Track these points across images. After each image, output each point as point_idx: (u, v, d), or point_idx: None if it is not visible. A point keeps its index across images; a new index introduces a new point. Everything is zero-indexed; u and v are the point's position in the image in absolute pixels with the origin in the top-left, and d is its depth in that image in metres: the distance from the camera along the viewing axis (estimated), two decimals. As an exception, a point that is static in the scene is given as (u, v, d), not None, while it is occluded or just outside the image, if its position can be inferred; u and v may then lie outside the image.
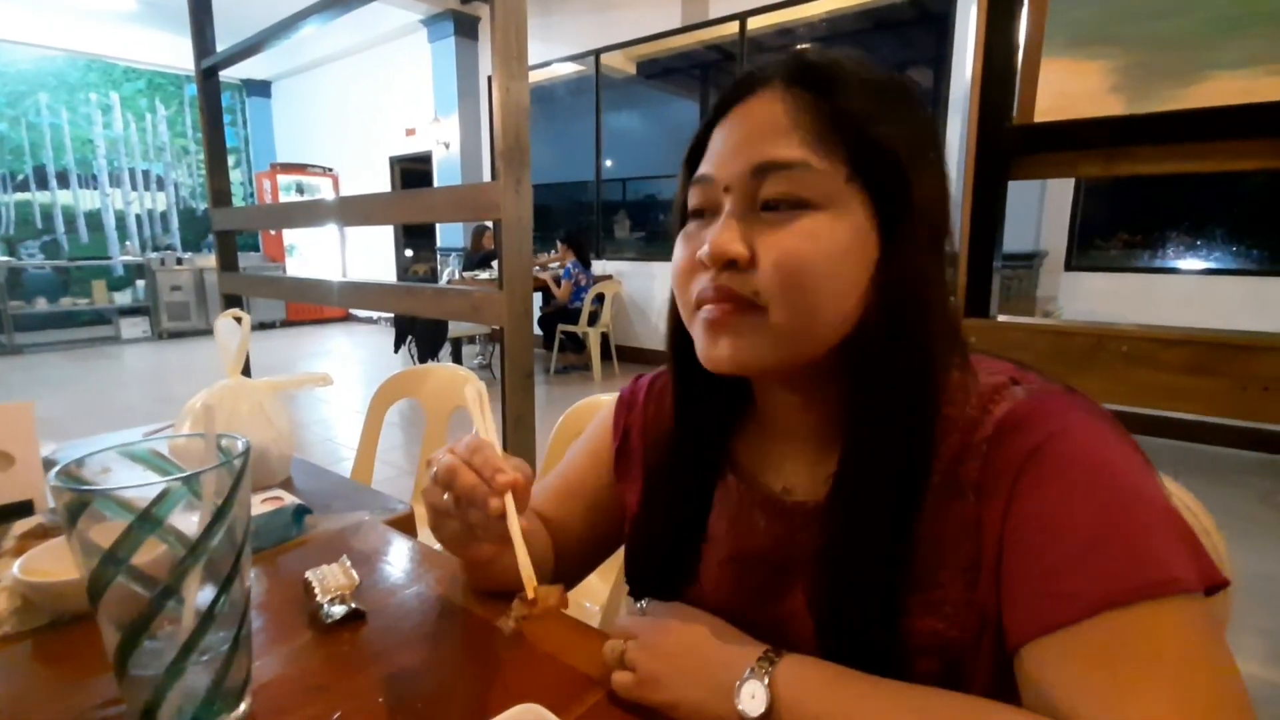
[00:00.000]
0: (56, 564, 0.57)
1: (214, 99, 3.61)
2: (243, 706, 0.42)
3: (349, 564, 0.56)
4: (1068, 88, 1.26)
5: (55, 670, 0.49)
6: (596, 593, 1.17)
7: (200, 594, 0.40)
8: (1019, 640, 0.37)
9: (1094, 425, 0.40)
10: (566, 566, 0.62)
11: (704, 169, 0.45)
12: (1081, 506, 0.37)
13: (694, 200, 0.46)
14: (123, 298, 7.48)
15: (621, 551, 0.94)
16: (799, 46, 0.47)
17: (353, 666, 0.48)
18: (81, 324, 7.38)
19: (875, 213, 0.42)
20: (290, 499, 0.72)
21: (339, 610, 0.52)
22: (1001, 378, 0.43)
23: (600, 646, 0.48)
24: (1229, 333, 1.15)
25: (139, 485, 0.38)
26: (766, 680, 0.40)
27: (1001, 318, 1.40)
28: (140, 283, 7.52)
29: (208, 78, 3.48)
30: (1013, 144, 1.31)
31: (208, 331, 7.52)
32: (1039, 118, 1.29)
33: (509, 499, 0.44)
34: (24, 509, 0.75)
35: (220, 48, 3.35)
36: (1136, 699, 0.32)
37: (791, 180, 0.41)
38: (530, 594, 0.41)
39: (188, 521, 0.39)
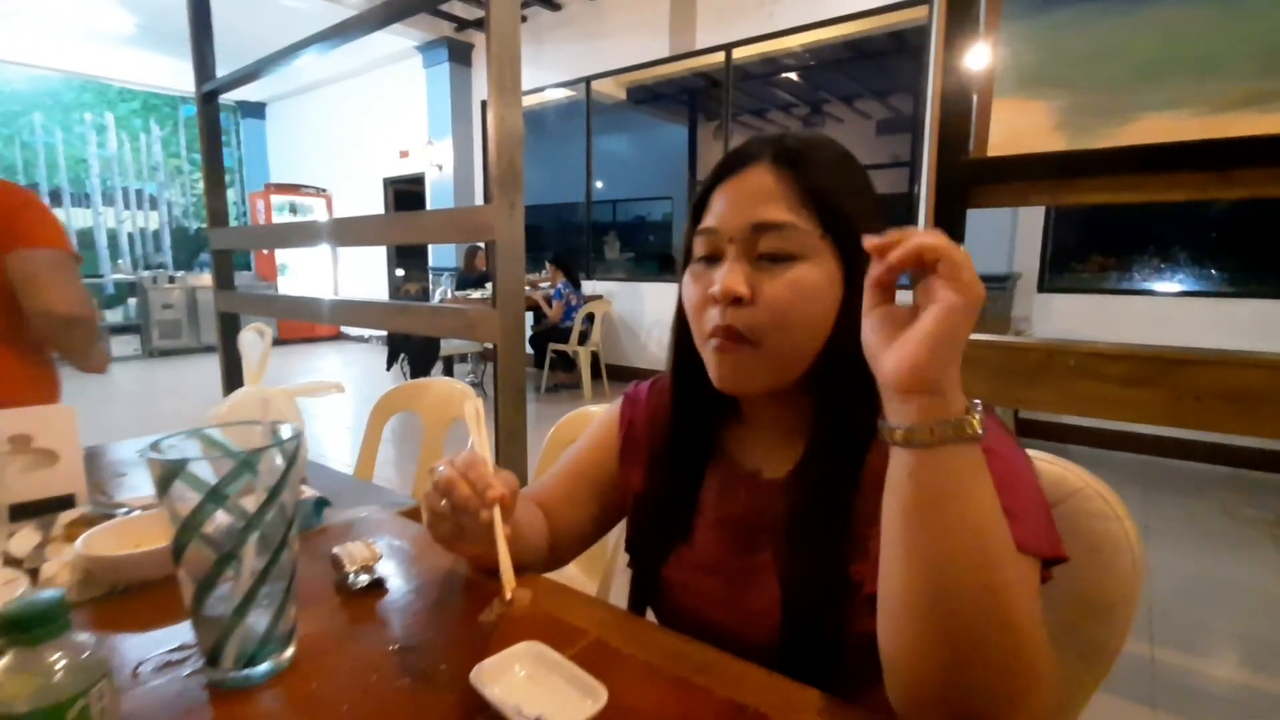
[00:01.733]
0: (113, 543, 0.65)
1: (213, 122, 3.71)
2: (290, 650, 0.51)
3: (371, 541, 0.64)
4: (1017, 125, 1.38)
5: (118, 631, 0.57)
6: (584, 588, 1.24)
7: (256, 558, 0.48)
8: None
9: (1006, 438, 0.53)
10: (567, 544, 0.72)
11: (710, 223, 0.57)
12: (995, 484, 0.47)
13: (701, 248, 0.58)
14: (114, 316, 7.51)
15: (605, 549, 1.03)
16: (781, 133, 0.59)
17: (375, 623, 0.56)
18: (71, 342, 7.39)
19: (841, 263, 0.55)
20: (311, 491, 0.80)
21: (364, 579, 0.61)
22: None
23: (587, 607, 0.57)
24: (1164, 348, 1.26)
25: (215, 457, 0.46)
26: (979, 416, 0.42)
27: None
28: (132, 301, 7.55)
29: (207, 101, 3.58)
30: (969, 175, 1.43)
31: (198, 349, 7.55)
32: (992, 152, 1.41)
33: (496, 511, 0.53)
34: (67, 502, 0.82)
35: (218, 70, 3.45)
36: None
37: (782, 237, 0.54)
38: (508, 595, 0.49)
39: (248, 499, 0.48)
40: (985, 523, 0.41)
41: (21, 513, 0.79)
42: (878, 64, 6.91)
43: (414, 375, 5.05)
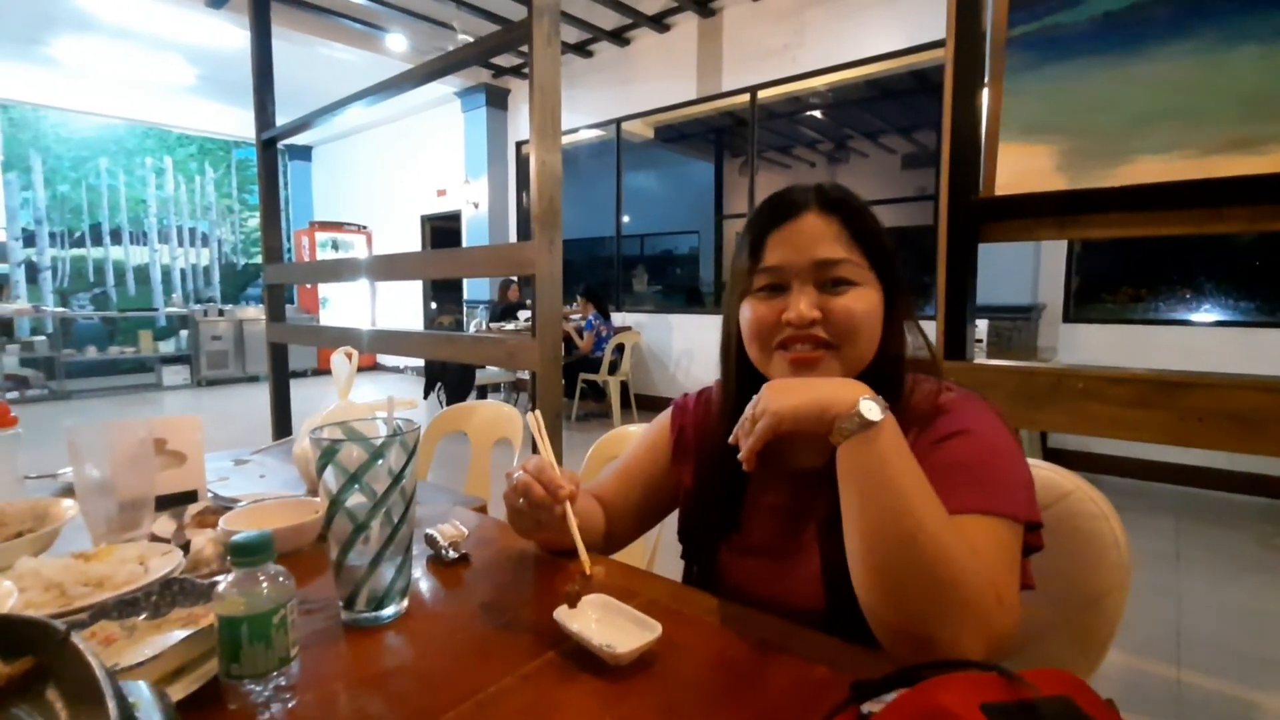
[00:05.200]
0: (248, 523, 0.79)
1: (272, 166, 3.99)
2: (405, 602, 0.63)
3: (458, 523, 0.77)
4: (1022, 167, 1.50)
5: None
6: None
7: (382, 528, 0.61)
8: None
9: (989, 418, 0.66)
10: (621, 531, 0.85)
11: (774, 261, 0.69)
12: (973, 460, 0.62)
13: (763, 281, 0.70)
14: (166, 346, 7.89)
15: (649, 543, 1.14)
16: (819, 184, 0.72)
17: (468, 586, 0.69)
18: (126, 371, 7.77)
19: (883, 290, 0.69)
20: (397, 489, 0.94)
21: (454, 554, 0.73)
22: (937, 386, 0.70)
23: (645, 578, 0.69)
24: (1167, 371, 1.35)
25: (363, 440, 0.60)
26: (884, 408, 0.58)
27: (977, 360, 1.60)
28: (183, 332, 7.94)
29: (267, 148, 3.87)
30: (979, 213, 1.54)
31: (244, 379, 7.88)
32: (1000, 191, 1.53)
33: (568, 506, 0.66)
34: (191, 496, 0.97)
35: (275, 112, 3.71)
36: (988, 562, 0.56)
37: (844, 269, 0.67)
38: (588, 570, 0.62)
39: (376, 480, 0.61)
40: (902, 487, 0.55)
41: (157, 504, 0.93)
42: (900, 101, 7.08)
43: (450, 403, 5.23)
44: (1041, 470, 0.84)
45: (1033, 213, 1.48)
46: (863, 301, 0.67)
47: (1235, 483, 3.47)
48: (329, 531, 0.60)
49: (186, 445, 0.97)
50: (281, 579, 0.50)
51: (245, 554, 0.48)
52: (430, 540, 0.75)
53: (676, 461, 0.83)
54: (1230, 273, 3.87)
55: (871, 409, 0.57)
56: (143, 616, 0.58)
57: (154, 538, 0.83)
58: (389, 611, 0.61)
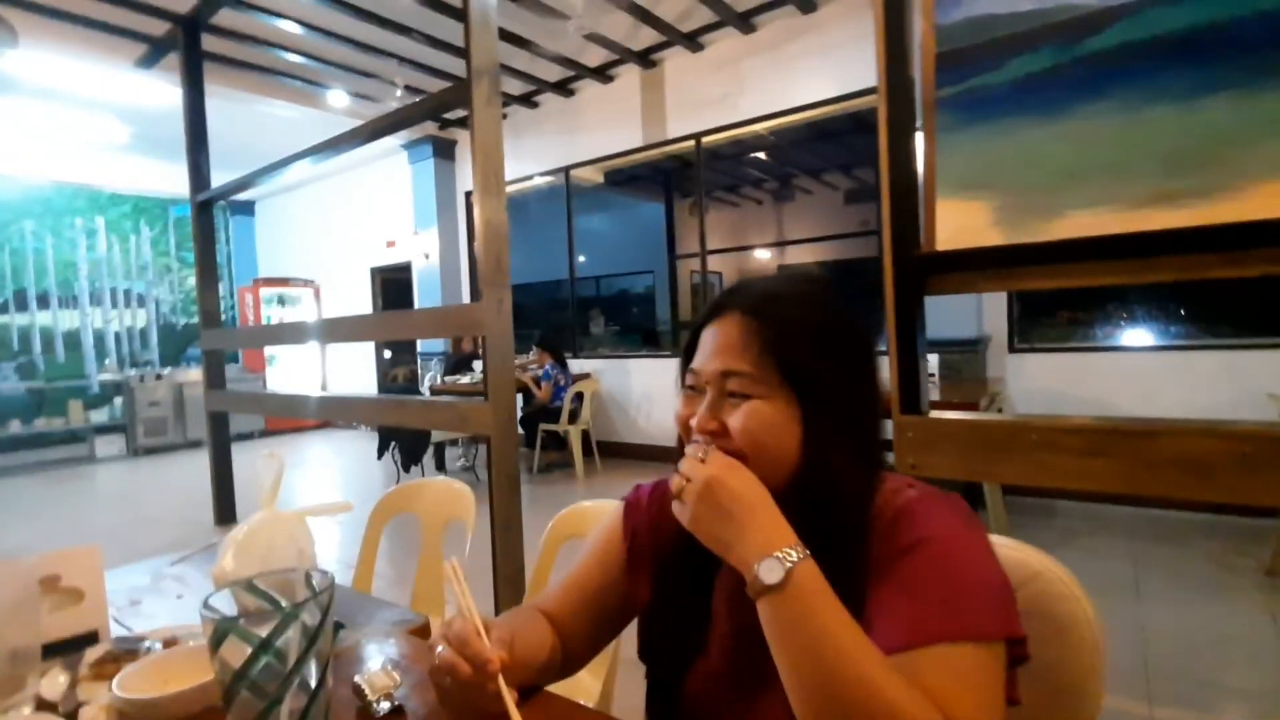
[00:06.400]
0: (147, 683, 0.70)
1: (208, 228, 3.86)
2: (324, 784, 0.55)
3: (390, 667, 0.69)
4: (959, 222, 1.52)
5: (156, 772, 0.61)
6: (589, 690, 1.27)
7: (295, 699, 0.54)
8: (883, 650, 0.54)
9: (950, 520, 0.61)
10: (577, 650, 0.77)
11: (695, 364, 0.68)
12: (932, 576, 0.57)
13: (690, 380, 0.69)
14: (99, 415, 7.46)
15: (609, 651, 1.07)
16: (752, 283, 0.69)
17: (400, 751, 0.61)
18: (55, 444, 7.30)
19: (799, 405, 0.63)
20: (327, 616, 0.85)
21: (385, 706, 0.65)
22: (897, 485, 0.66)
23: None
24: (1120, 420, 1.36)
25: (260, 611, 0.52)
26: (788, 567, 0.54)
27: (933, 413, 1.60)
28: (118, 400, 7.53)
29: (202, 209, 3.75)
30: (922, 268, 1.56)
31: (185, 445, 7.48)
32: (940, 246, 1.55)
33: (501, 681, 0.58)
34: (92, 638, 0.87)
35: (212, 174, 3.63)
36: (949, 702, 0.51)
37: (742, 382, 0.63)
38: None
39: (286, 642, 0.54)
40: (822, 636, 0.52)
41: (49, 651, 0.83)
42: (839, 141, 7.34)
43: (405, 463, 5.05)
44: (1008, 550, 0.82)
45: (974, 266, 1.50)
46: (755, 417, 0.62)
47: (1179, 500, 3.57)
48: (229, 714, 0.52)
49: (85, 579, 0.87)
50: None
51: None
52: (357, 691, 0.67)
53: (631, 572, 0.76)
54: (1162, 297, 4.06)
55: (772, 570, 0.54)
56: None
57: (40, 703, 0.73)
58: (303, 805, 0.53)
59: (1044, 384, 3.93)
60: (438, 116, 6.73)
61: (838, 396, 0.64)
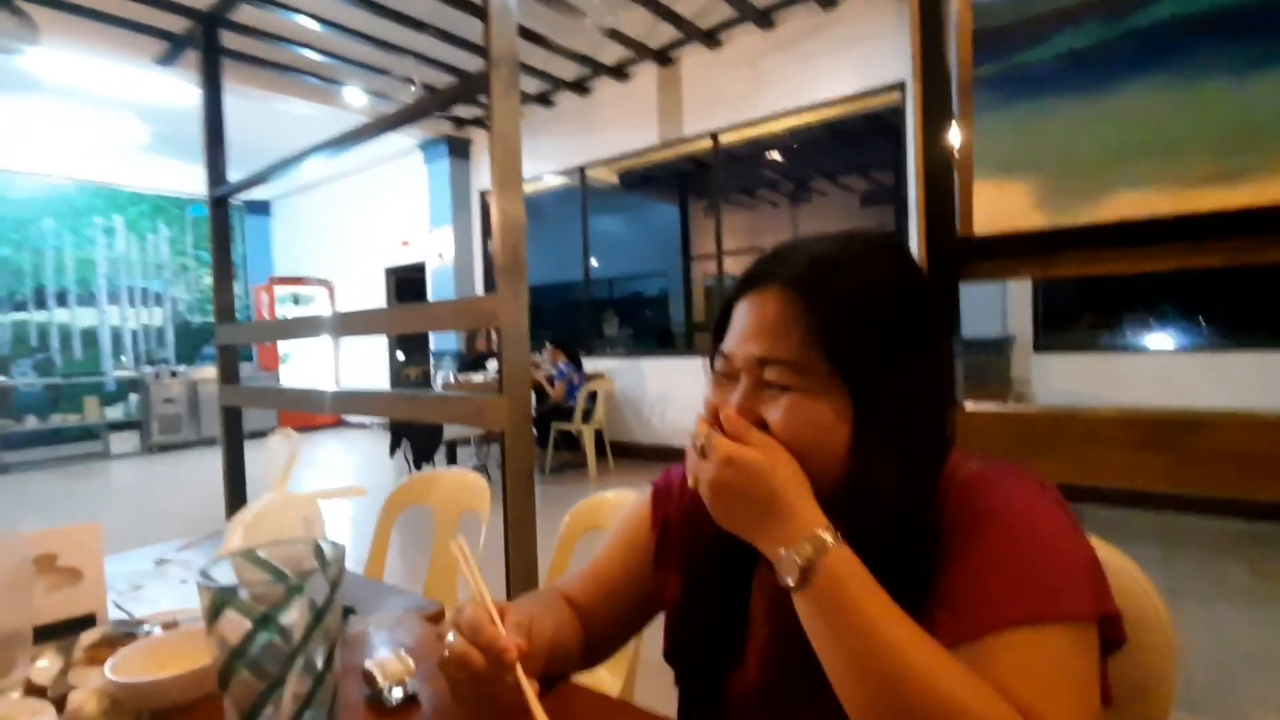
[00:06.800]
0: (139, 666, 0.65)
1: (223, 224, 3.85)
2: (330, 777, 0.50)
3: (404, 653, 0.64)
4: (998, 205, 1.45)
5: (149, 762, 0.56)
6: (609, 688, 1.21)
7: (300, 682, 0.48)
8: (952, 642, 0.47)
9: (1024, 490, 0.52)
10: (602, 641, 0.70)
11: (727, 346, 0.57)
12: (1008, 553, 0.49)
13: (719, 365, 0.58)
14: (114, 412, 7.50)
15: (629, 648, 1.00)
16: (800, 246, 0.57)
17: (414, 743, 0.55)
18: (71, 440, 7.35)
19: (852, 399, 0.52)
20: (336, 601, 0.80)
21: (398, 694, 0.60)
22: (957, 461, 0.56)
23: (628, 715, 0.56)
24: (1169, 411, 1.28)
25: (262, 584, 0.47)
26: (815, 554, 0.48)
27: (969, 405, 1.53)
28: (133, 396, 7.57)
29: (218, 205, 3.73)
30: (958, 254, 1.49)
31: (199, 443, 7.51)
32: (978, 230, 1.48)
33: (520, 671, 0.51)
34: (88, 621, 0.82)
35: (228, 173, 3.63)
36: (1030, 695, 0.44)
37: (781, 372, 0.53)
38: None
39: (291, 618, 0.48)
40: (865, 630, 0.46)
41: (43, 634, 0.78)
42: (857, 143, 7.26)
43: (416, 461, 5.02)
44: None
45: (1014, 251, 1.43)
46: (796, 416, 0.52)
47: (1217, 507, 3.45)
48: (225, 695, 0.47)
49: (83, 559, 0.82)
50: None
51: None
52: (368, 678, 0.61)
53: (660, 566, 0.68)
54: (1197, 297, 3.95)
55: (798, 557, 0.48)
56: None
57: (29, 687, 0.68)
58: (307, 800, 0.48)
59: (1070, 386, 3.83)
60: (456, 110, 6.72)
61: (899, 395, 0.53)
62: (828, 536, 0.49)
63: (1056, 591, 0.47)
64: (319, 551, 0.52)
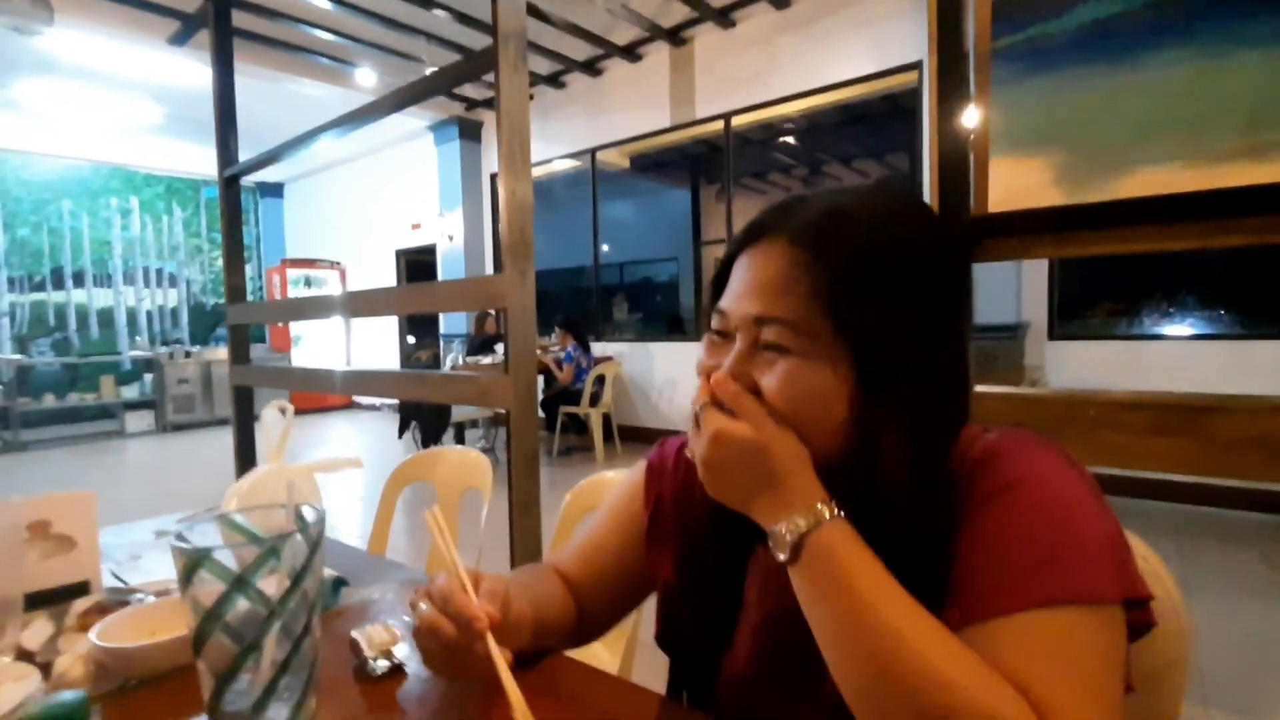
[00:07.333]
0: (127, 632, 0.64)
1: (234, 204, 3.85)
2: (307, 748, 0.49)
3: (392, 624, 0.63)
4: (1015, 182, 1.41)
5: (131, 727, 0.55)
6: (605, 666, 1.20)
7: (277, 647, 0.47)
8: (961, 625, 0.44)
9: (1046, 459, 0.48)
10: (595, 617, 0.69)
11: (724, 303, 0.53)
12: (1028, 526, 0.45)
13: (716, 323, 0.54)
14: (130, 392, 7.59)
15: (627, 626, 0.99)
16: (811, 199, 0.53)
17: (396, 711, 0.54)
18: (87, 419, 7.45)
19: (854, 365, 0.48)
20: (329, 570, 0.79)
21: (383, 664, 0.59)
22: (975, 430, 0.52)
23: (615, 690, 0.55)
24: (1188, 395, 1.25)
25: (237, 546, 0.46)
26: (808, 528, 0.46)
27: (980, 388, 1.50)
28: (148, 376, 7.66)
29: (229, 185, 3.73)
30: (973, 232, 1.45)
31: (212, 423, 7.60)
32: (993, 208, 1.44)
33: (490, 641, 0.50)
34: (82, 589, 0.82)
35: (240, 154, 3.62)
36: (1038, 682, 0.41)
37: (780, 332, 0.49)
38: None
39: (269, 584, 0.47)
40: (862, 608, 0.44)
41: (36, 601, 0.78)
42: (872, 126, 7.14)
43: (425, 442, 5.04)
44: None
45: (1030, 230, 1.39)
46: (793, 382, 0.48)
47: (1233, 499, 3.39)
48: (198, 659, 0.45)
49: (77, 527, 0.82)
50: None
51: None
52: (354, 647, 0.60)
53: (653, 544, 0.66)
54: (1214, 284, 3.85)
55: (790, 531, 0.46)
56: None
57: (20, 652, 0.68)
58: (282, 767, 0.47)
59: (1086, 374, 3.76)
60: (467, 91, 6.68)
61: (911, 365, 0.48)
62: (824, 510, 0.46)
63: (1075, 571, 0.43)
64: (299, 516, 0.51)
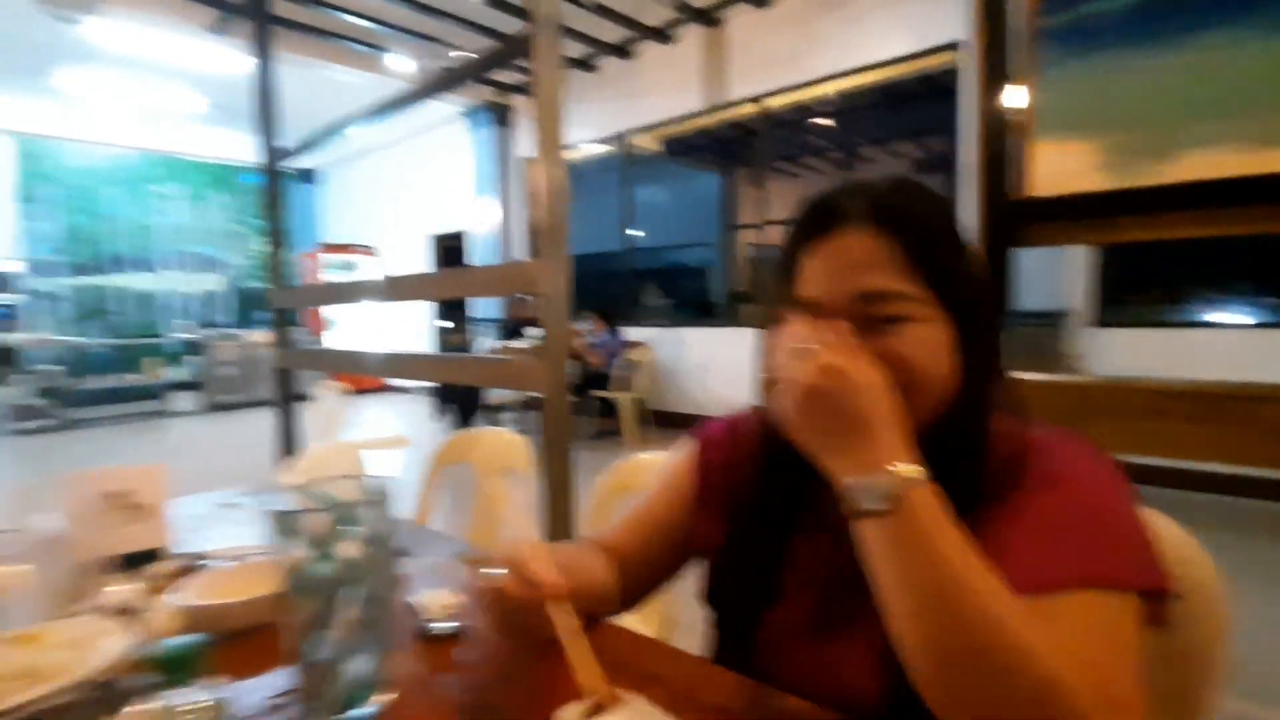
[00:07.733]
0: (205, 593, 0.69)
1: (275, 189, 3.94)
2: (381, 695, 0.53)
3: (452, 591, 0.67)
4: (1060, 165, 1.39)
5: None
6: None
7: (355, 606, 0.51)
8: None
9: (1085, 462, 0.54)
10: (638, 588, 0.72)
11: (809, 292, 0.55)
12: (1067, 518, 0.50)
13: (799, 311, 0.55)
14: (175, 373, 7.87)
15: (661, 601, 1.01)
16: (865, 184, 0.56)
17: (456, 670, 0.58)
18: (134, 399, 7.75)
19: (956, 323, 0.54)
20: (384, 543, 0.84)
21: (446, 626, 0.63)
22: (1019, 425, 0.56)
23: (659, 653, 0.58)
24: (1231, 384, 1.22)
25: (317, 510, 0.50)
26: (909, 484, 0.46)
27: (1018, 374, 1.49)
28: (192, 358, 7.93)
29: (270, 171, 3.82)
30: (1014, 216, 1.43)
31: (253, 404, 7.83)
32: (1037, 192, 1.42)
33: (563, 608, 0.52)
34: (152, 555, 0.87)
35: (279, 140, 3.69)
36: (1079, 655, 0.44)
37: (894, 304, 0.52)
38: (599, 694, 0.48)
39: (348, 548, 0.51)
40: (945, 567, 0.45)
41: (111, 566, 0.84)
42: (910, 106, 6.96)
43: (459, 424, 5.14)
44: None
45: (1075, 215, 1.37)
46: (922, 344, 0.52)
47: (1270, 490, 3.29)
48: (287, 614, 0.49)
49: (149, 497, 0.88)
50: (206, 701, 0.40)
51: (172, 669, 0.38)
52: (417, 610, 0.64)
53: (703, 512, 0.70)
54: (1271, 270, 3.70)
55: (892, 486, 0.46)
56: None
57: (103, 610, 0.73)
58: (359, 713, 0.50)
59: (1129, 363, 3.67)
60: (501, 77, 6.70)
61: (988, 314, 0.56)
62: (919, 469, 0.48)
63: (1111, 558, 0.48)
64: (368, 488, 0.54)
